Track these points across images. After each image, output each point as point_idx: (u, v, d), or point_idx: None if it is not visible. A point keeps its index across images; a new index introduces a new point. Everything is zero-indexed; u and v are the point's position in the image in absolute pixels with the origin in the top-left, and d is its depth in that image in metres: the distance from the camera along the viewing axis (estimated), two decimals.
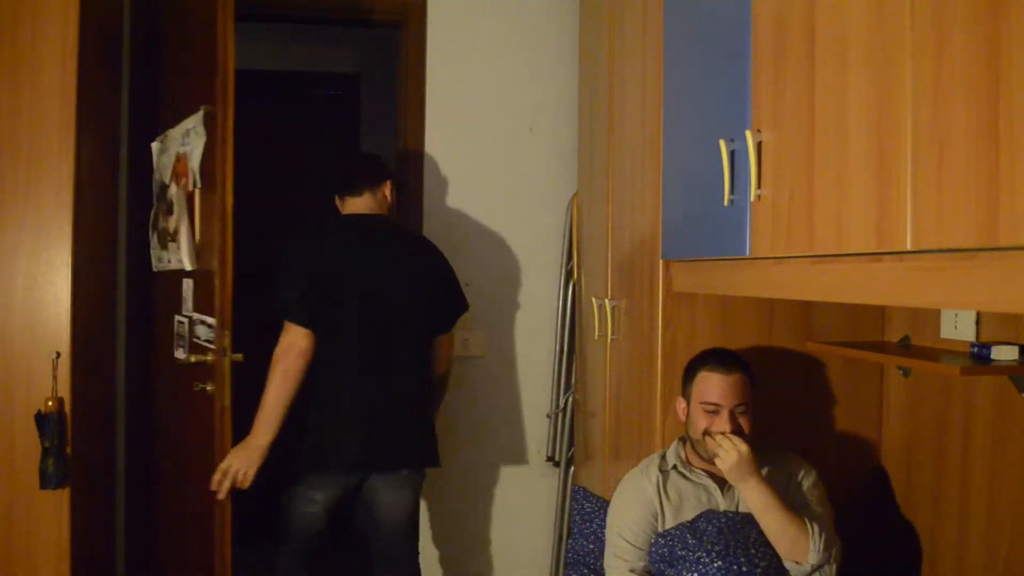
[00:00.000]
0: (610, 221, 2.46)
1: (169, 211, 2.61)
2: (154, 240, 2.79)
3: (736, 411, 1.74)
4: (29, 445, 2.36)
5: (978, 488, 1.81)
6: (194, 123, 2.42)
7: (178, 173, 2.53)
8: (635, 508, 1.83)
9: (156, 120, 2.91)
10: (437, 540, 3.04)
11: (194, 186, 2.44)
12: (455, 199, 3.04)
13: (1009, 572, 1.72)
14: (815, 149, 1.33)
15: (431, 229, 3.03)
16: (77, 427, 2.41)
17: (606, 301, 2.44)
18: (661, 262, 2.01)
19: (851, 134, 1.23)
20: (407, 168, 3.06)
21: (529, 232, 3.07)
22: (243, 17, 2.45)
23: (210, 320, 2.35)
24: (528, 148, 3.08)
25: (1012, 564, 1.71)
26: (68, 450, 2.38)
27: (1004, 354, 1.69)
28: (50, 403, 2.36)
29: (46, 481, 2.34)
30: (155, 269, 2.82)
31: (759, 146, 1.50)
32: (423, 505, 3.03)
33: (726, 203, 1.60)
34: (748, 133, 1.50)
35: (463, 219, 3.05)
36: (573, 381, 2.98)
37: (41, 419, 2.35)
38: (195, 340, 2.47)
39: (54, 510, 2.38)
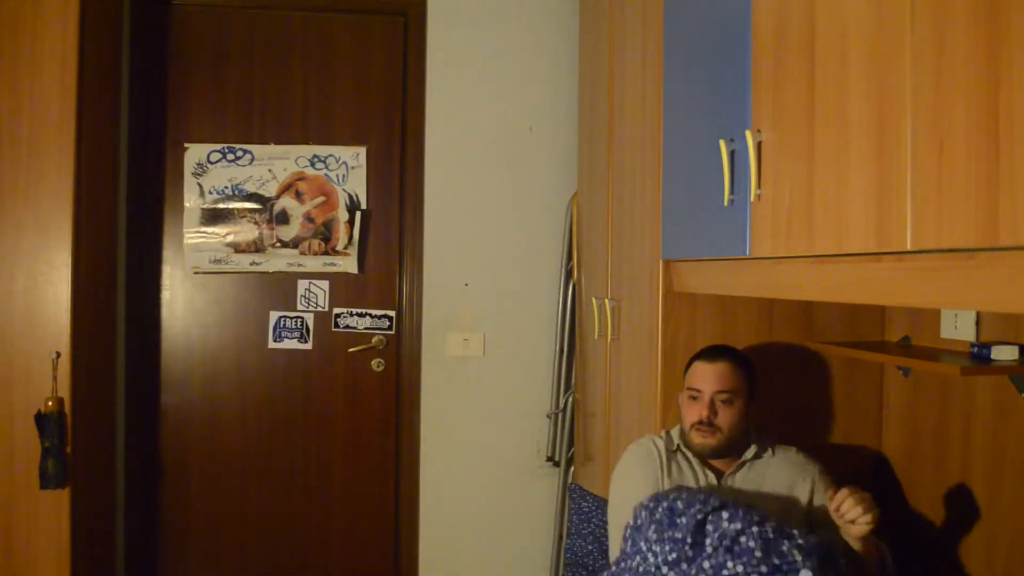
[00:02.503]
0: (610, 221, 2.46)
1: (281, 221, 2.98)
2: (208, 242, 2.96)
3: (717, 398, 1.76)
4: (29, 445, 2.36)
5: (978, 488, 1.81)
6: (350, 155, 3.02)
7: (301, 191, 3.00)
8: (647, 470, 1.83)
9: (164, 124, 2.96)
10: (437, 540, 3.04)
11: (352, 206, 3.01)
12: (455, 199, 3.04)
13: (1009, 572, 1.72)
14: (815, 149, 1.33)
15: (431, 229, 3.03)
16: (77, 427, 2.42)
17: (606, 301, 2.44)
18: (661, 262, 2.00)
19: (851, 134, 1.23)
20: (407, 168, 3.06)
21: (529, 232, 3.07)
22: (244, 4, 2.97)
23: (376, 312, 3.06)
24: (528, 148, 3.08)
25: (1012, 564, 1.71)
26: (68, 450, 2.38)
27: (1004, 354, 1.69)
28: (50, 403, 2.36)
29: (46, 481, 2.35)
30: (206, 271, 2.98)
31: (759, 146, 1.50)
32: (422, 504, 3.03)
33: (726, 203, 1.60)
34: (748, 133, 1.50)
35: (463, 219, 3.05)
36: (573, 381, 2.98)
37: (41, 419, 2.35)
38: (345, 330, 3.04)
39: (54, 510, 2.38)
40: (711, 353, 1.81)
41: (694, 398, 1.79)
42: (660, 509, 1.65)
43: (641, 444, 1.90)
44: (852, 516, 1.55)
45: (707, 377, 1.77)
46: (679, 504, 1.63)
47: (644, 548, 1.64)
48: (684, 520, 1.60)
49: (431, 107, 3.04)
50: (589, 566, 2.23)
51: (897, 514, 2.07)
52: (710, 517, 1.59)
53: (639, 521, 1.69)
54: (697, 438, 1.78)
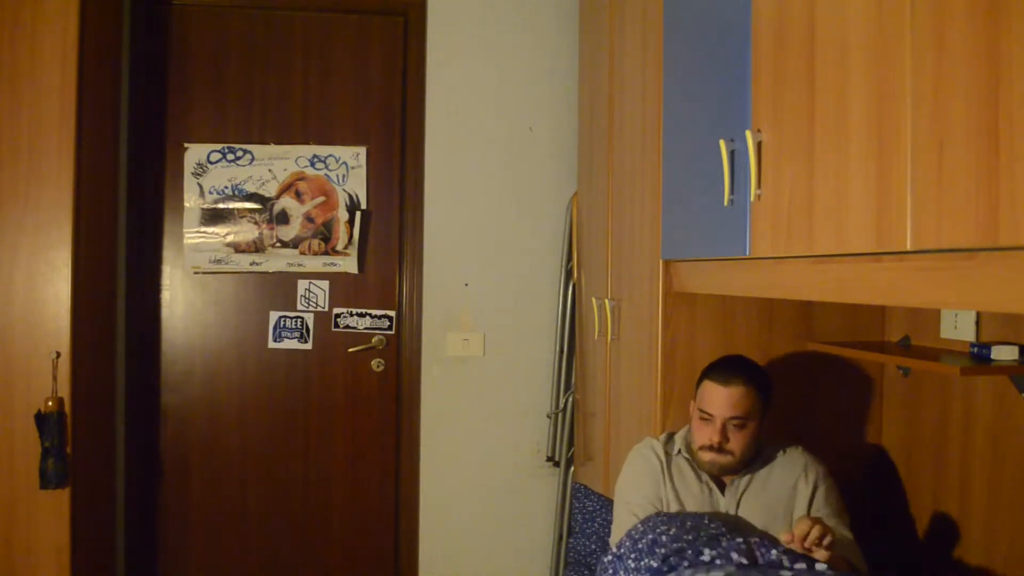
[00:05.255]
0: (610, 221, 2.46)
1: (281, 221, 2.99)
2: (208, 242, 2.98)
3: (729, 423, 1.72)
4: (29, 445, 2.36)
5: (978, 488, 1.81)
6: (350, 155, 3.02)
7: (301, 191, 3.00)
8: (647, 483, 1.82)
9: (164, 124, 2.97)
10: (437, 540, 3.04)
11: (352, 206, 3.02)
12: (455, 199, 3.04)
13: (1009, 572, 1.72)
14: (815, 149, 1.33)
15: (431, 229, 3.03)
16: (77, 427, 2.42)
17: (606, 301, 2.44)
18: (661, 262, 2.00)
19: (851, 134, 1.23)
20: (407, 168, 3.06)
21: (529, 232, 3.08)
22: (244, 4, 3.04)
23: (376, 312, 3.06)
24: (528, 148, 3.08)
25: (1012, 564, 1.71)
26: (68, 450, 2.38)
27: (1004, 354, 1.69)
28: (50, 403, 2.36)
29: (46, 481, 2.35)
30: (206, 271, 2.99)
31: (759, 146, 1.50)
32: (422, 504, 3.03)
33: (726, 203, 1.60)
34: (748, 133, 1.50)
35: (463, 219, 3.05)
36: (573, 381, 2.98)
37: (41, 419, 2.35)
38: (345, 329, 3.05)
39: (54, 510, 2.38)
40: (724, 373, 1.74)
41: (705, 419, 1.74)
42: (644, 540, 1.63)
43: (639, 452, 1.88)
44: (815, 537, 1.48)
45: (719, 402, 1.72)
46: (663, 538, 1.60)
47: None
48: (664, 551, 1.58)
49: (431, 107, 3.04)
50: (592, 565, 2.22)
51: (895, 514, 2.07)
52: (689, 552, 1.56)
53: (622, 550, 1.67)
54: (707, 457, 1.75)
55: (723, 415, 1.72)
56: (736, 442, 1.73)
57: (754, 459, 1.79)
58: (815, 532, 1.48)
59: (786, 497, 1.77)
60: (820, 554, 1.48)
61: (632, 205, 2.26)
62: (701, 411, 1.75)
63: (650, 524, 1.68)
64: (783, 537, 1.54)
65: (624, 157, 2.34)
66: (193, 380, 3.00)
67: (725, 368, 1.76)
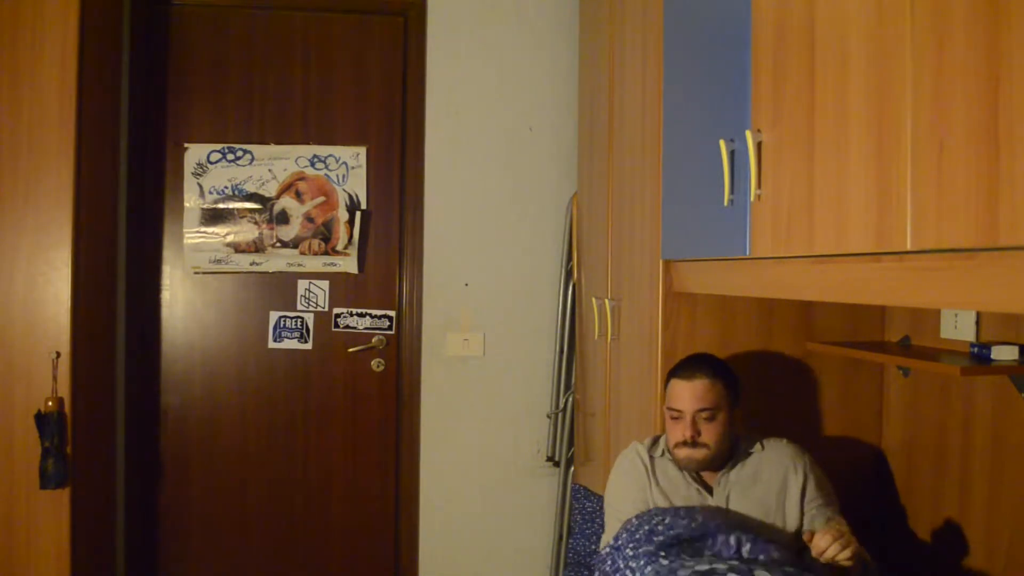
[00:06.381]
0: (610, 221, 2.46)
1: (281, 221, 2.99)
2: (208, 242, 2.98)
3: (698, 416, 1.74)
4: (29, 445, 2.36)
5: (978, 488, 1.81)
6: (350, 155, 3.02)
7: (301, 191, 3.00)
8: (633, 488, 1.83)
9: (164, 124, 2.97)
10: (437, 540, 3.04)
11: (352, 206, 3.01)
12: (455, 199, 3.04)
13: (1009, 571, 1.72)
14: (815, 149, 1.33)
15: (431, 229, 3.03)
16: (77, 427, 2.42)
17: (606, 301, 2.44)
18: (661, 262, 2.01)
19: (851, 134, 1.23)
20: (407, 168, 3.06)
21: (529, 232, 3.08)
22: (244, 4, 3.05)
23: (376, 312, 3.05)
24: (528, 148, 3.08)
25: (1012, 563, 1.71)
26: (68, 450, 2.38)
27: (1004, 354, 1.69)
28: (50, 403, 2.36)
29: (46, 481, 2.35)
30: (206, 271, 2.99)
31: (759, 146, 1.50)
32: (422, 504, 3.03)
33: (726, 203, 1.60)
34: (748, 133, 1.50)
35: (463, 219, 3.05)
36: (573, 381, 2.98)
37: (41, 419, 2.35)
38: (345, 329, 3.04)
39: (54, 510, 2.38)
40: (687, 369, 1.78)
41: (675, 418, 1.77)
42: (641, 531, 1.66)
43: (624, 457, 1.90)
44: (832, 555, 1.52)
45: (685, 396, 1.75)
46: (659, 527, 1.63)
47: (622, 566, 1.65)
48: (661, 539, 1.60)
49: (431, 107, 3.04)
50: (591, 566, 2.23)
51: (894, 514, 2.07)
52: (692, 548, 1.58)
53: (619, 541, 1.69)
54: (683, 453, 1.76)
55: (691, 409, 1.74)
56: (708, 434, 1.74)
57: (732, 452, 1.79)
58: (833, 550, 1.51)
59: (777, 490, 1.77)
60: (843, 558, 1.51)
61: (632, 205, 2.26)
62: (671, 409, 1.78)
63: (645, 517, 1.70)
64: (804, 536, 1.57)
65: (624, 157, 2.34)
66: (193, 380, 3.00)
67: (689, 364, 1.80)
